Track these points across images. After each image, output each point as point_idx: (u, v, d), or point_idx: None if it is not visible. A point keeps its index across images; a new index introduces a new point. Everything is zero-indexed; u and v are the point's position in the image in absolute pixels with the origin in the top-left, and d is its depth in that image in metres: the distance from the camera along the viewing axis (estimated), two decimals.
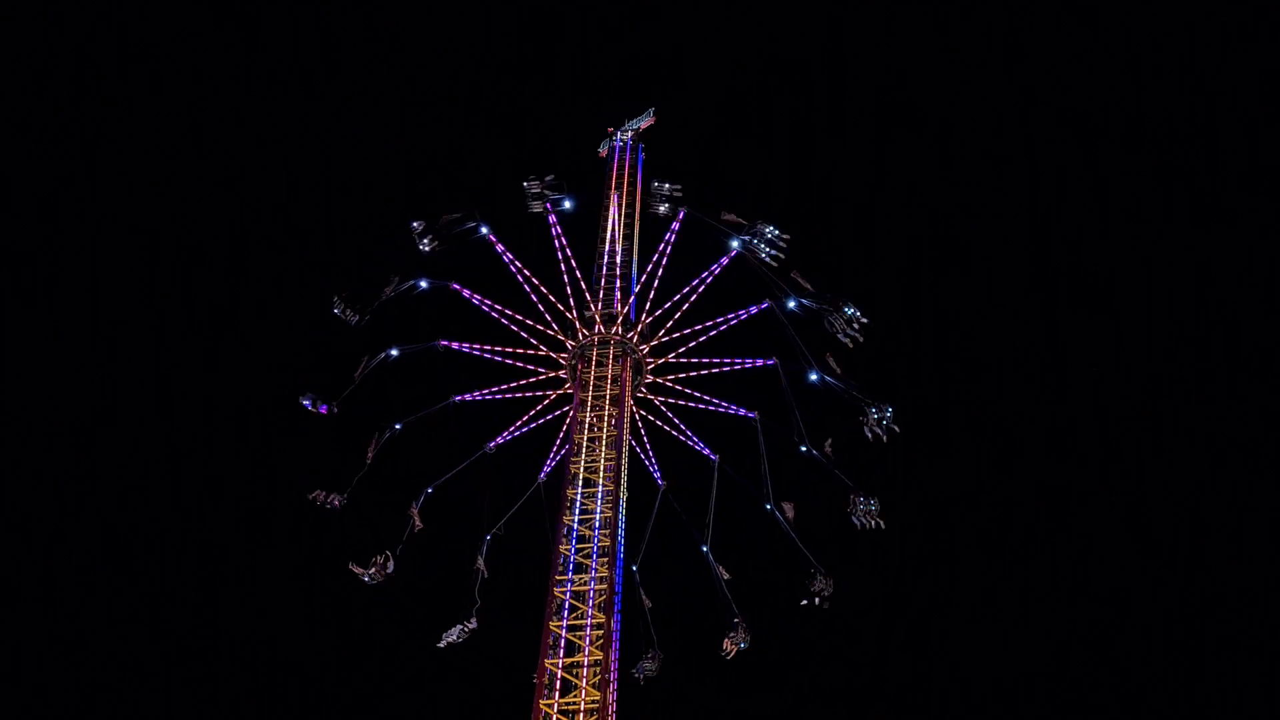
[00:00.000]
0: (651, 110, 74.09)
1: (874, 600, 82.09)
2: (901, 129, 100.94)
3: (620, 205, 70.31)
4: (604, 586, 55.92)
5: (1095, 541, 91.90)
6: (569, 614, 55.56)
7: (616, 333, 67.28)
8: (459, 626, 68.19)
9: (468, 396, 69.18)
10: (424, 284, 68.30)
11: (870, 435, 65.01)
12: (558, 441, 69.82)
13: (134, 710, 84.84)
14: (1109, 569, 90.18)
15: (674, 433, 69.94)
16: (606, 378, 64.92)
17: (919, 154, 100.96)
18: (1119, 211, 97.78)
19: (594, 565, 56.71)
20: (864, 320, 65.36)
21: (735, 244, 67.05)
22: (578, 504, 59.00)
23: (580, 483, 59.97)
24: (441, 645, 68.06)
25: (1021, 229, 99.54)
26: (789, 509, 67.81)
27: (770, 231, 66.70)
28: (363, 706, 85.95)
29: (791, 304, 66.90)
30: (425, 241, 67.83)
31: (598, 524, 58.20)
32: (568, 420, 66.91)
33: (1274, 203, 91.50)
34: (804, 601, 66.44)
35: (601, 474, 60.04)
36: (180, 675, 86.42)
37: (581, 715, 52.88)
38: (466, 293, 68.31)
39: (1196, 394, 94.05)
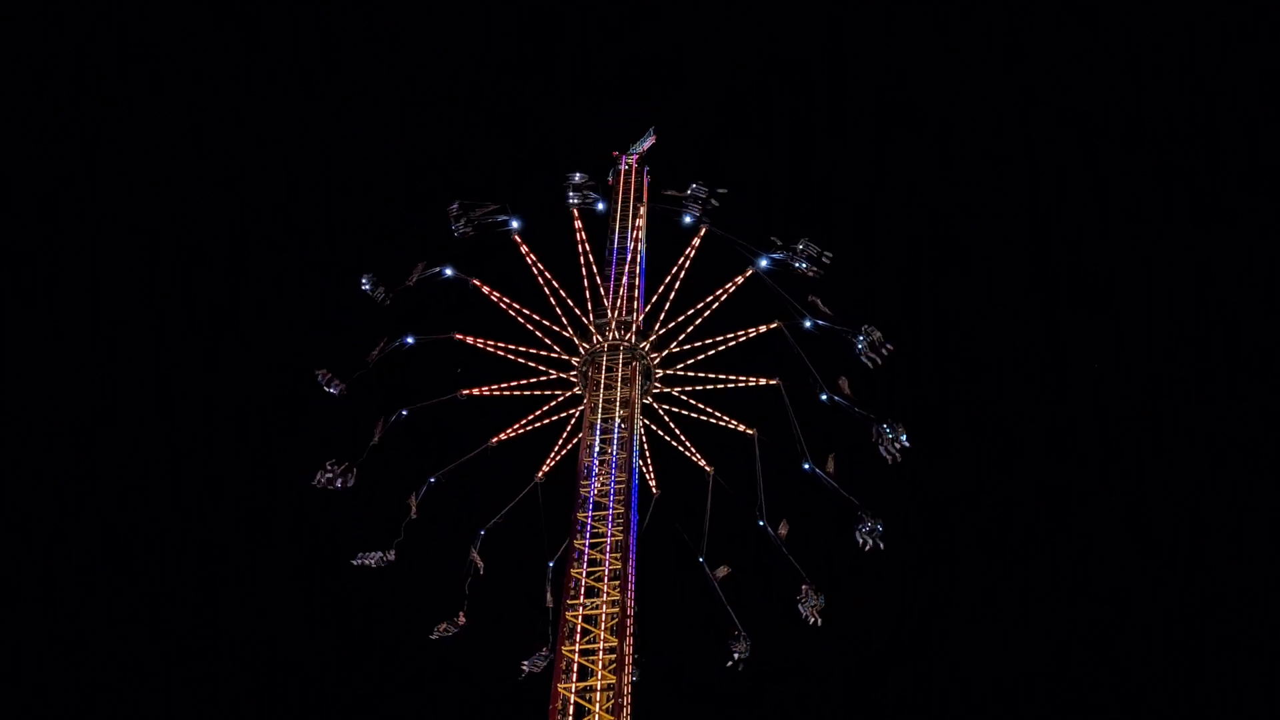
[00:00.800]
0: (652, 130, 74.59)
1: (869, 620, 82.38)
2: (903, 134, 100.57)
3: (631, 223, 70.77)
4: (615, 610, 56.21)
5: (1098, 556, 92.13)
6: (581, 638, 55.84)
7: (629, 339, 67.81)
8: (378, 553, 68.82)
9: (476, 391, 69.74)
10: (449, 272, 69.21)
11: (886, 456, 64.82)
12: (559, 442, 70.35)
13: (134, 710, 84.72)
14: (1111, 582, 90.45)
15: (673, 442, 70.53)
16: (616, 384, 65.26)
17: (918, 161, 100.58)
18: (1119, 213, 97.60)
19: (605, 589, 56.87)
20: (889, 346, 65.24)
21: (764, 263, 67.36)
22: (588, 527, 59.17)
23: (591, 506, 60.08)
24: (355, 563, 68.84)
25: (1022, 235, 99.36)
26: (722, 571, 69.20)
27: (810, 246, 66.91)
28: (361, 704, 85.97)
29: (808, 324, 66.99)
30: (459, 225, 68.74)
31: (609, 548, 58.35)
32: (578, 439, 66.99)
33: (1274, 203, 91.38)
34: (728, 664, 67.61)
35: (612, 497, 60.18)
36: (180, 672, 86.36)
37: None
38: (486, 289, 69.26)
39: (1196, 395, 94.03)
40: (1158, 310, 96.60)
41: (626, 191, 71.78)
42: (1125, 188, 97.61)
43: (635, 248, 70.21)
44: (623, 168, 72.30)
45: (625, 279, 69.15)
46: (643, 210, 70.91)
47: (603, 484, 60.83)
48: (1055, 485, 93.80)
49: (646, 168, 73.33)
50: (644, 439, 70.25)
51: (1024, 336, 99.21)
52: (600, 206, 69.99)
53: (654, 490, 71.81)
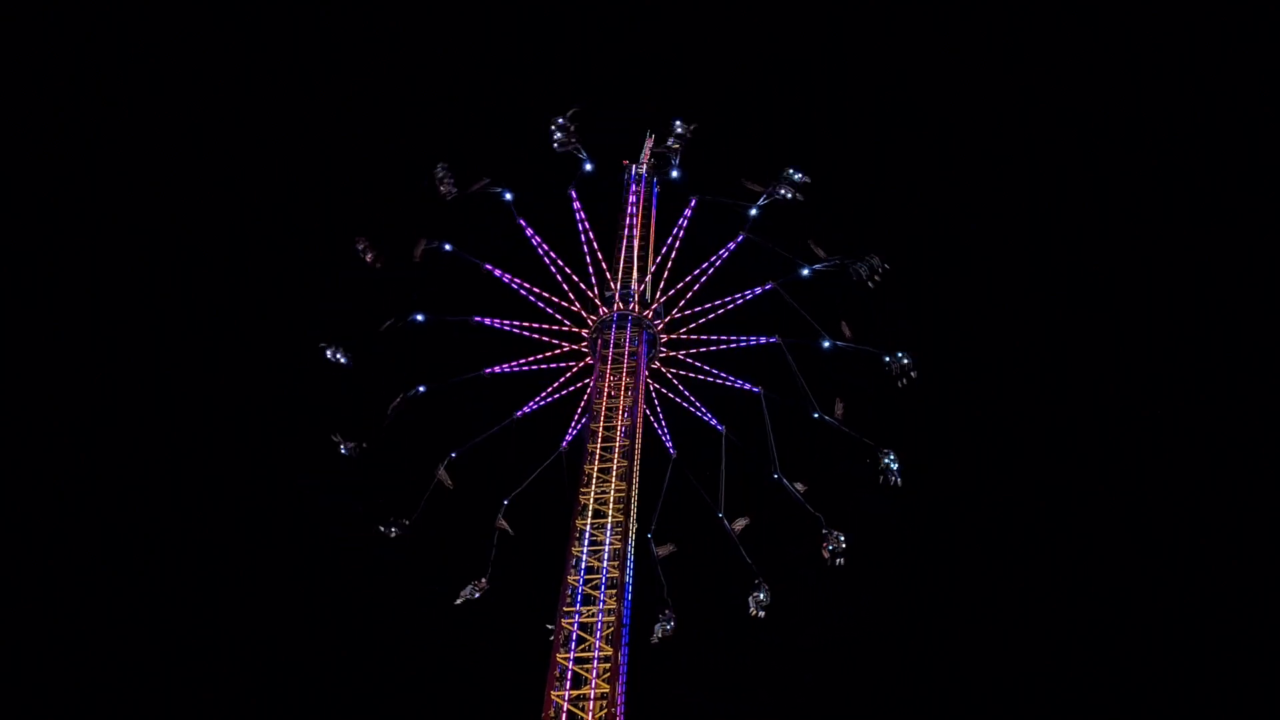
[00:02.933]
0: (650, 133, 73.76)
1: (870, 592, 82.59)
2: (903, 135, 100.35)
3: (639, 215, 71.32)
4: (612, 619, 55.87)
5: (1098, 556, 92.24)
6: (576, 646, 55.68)
7: (634, 307, 69.03)
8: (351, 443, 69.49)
9: (498, 369, 70.45)
10: (448, 247, 69.72)
11: (900, 384, 66.84)
12: (578, 413, 70.87)
13: (134, 710, 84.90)
14: (1111, 582, 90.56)
15: (685, 404, 71.32)
16: (624, 357, 66.19)
17: (918, 161, 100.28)
18: (1119, 213, 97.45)
19: (602, 597, 56.69)
20: (885, 266, 67.41)
21: (805, 272, 68.73)
22: (587, 535, 58.73)
23: (590, 513, 59.69)
24: (335, 442, 69.30)
25: (1023, 235, 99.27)
26: (664, 550, 69.56)
27: (874, 260, 67.96)
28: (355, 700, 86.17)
29: (805, 272, 68.68)
30: (445, 186, 69.53)
31: (607, 555, 58.01)
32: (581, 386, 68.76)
33: (1274, 203, 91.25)
34: (752, 612, 68.50)
35: (611, 505, 59.79)
36: (180, 670, 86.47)
37: None
38: (498, 273, 69.94)
39: (1196, 394, 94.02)
40: (1158, 310, 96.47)
41: (638, 199, 71.95)
42: (1125, 188, 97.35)
43: (651, 242, 71.18)
44: (631, 177, 72.28)
45: (637, 266, 70.23)
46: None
47: (601, 490, 60.60)
48: (1055, 486, 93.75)
49: (655, 178, 73.00)
50: (658, 404, 71.34)
51: (1024, 337, 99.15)
52: (588, 167, 70.22)
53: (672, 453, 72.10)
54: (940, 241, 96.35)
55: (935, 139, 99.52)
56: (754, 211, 69.21)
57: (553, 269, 69.63)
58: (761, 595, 68.19)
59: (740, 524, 68.98)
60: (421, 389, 70.20)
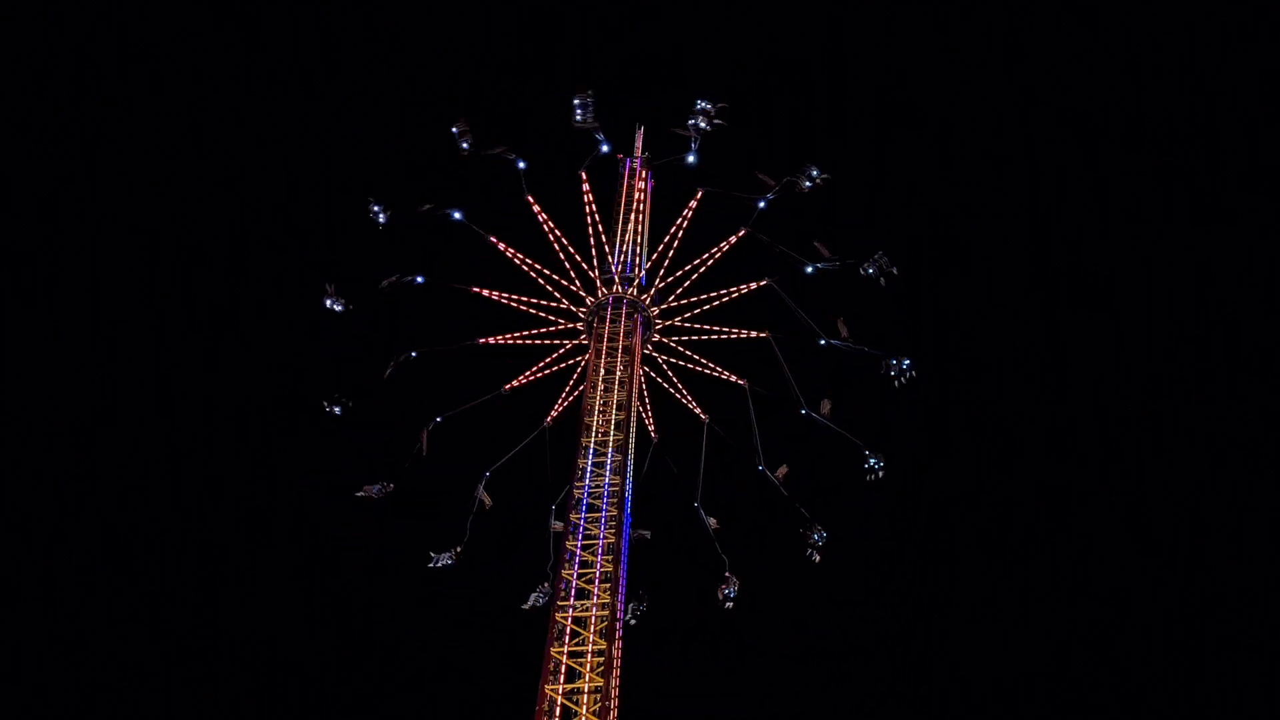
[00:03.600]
0: (640, 126, 73.96)
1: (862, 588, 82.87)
2: (903, 133, 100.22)
3: (634, 204, 71.56)
4: (605, 613, 55.87)
5: (1095, 543, 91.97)
6: (570, 640, 55.76)
7: (631, 292, 69.13)
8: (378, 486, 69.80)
9: (485, 292, 70.69)
10: (457, 215, 69.98)
11: (897, 386, 67.11)
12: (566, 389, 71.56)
13: (134, 710, 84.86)
14: (1108, 570, 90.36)
15: (673, 391, 71.84)
16: (619, 346, 66.11)
17: (918, 159, 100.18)
18: (1119, 213, 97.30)
19: (596, 592, 56.67)
20: (893, 270, 67.27)
21: (761, 205, 68.81)
22: (581, 528, 58.82)
23: (584, 507, 59.79)
24: (359, 495, 69.45)
25: (1022, 234, 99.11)
26: (712, 522, 70.54)
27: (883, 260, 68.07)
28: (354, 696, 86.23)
29: (809, 270, 68.80)
30: (465, 143, 69.27)
31: (600, 550, 58.01)
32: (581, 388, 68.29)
33: (1274, 203, 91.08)
34: (724, 604, 69.13)
35: (605, 499, 59.76)
36: (182, 672, 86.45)
37: None
38: (502, 246, 70.05)
39: (1196, 394, 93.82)
40: (1158, 310, 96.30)
41: (630, 189, 72.08)
42: (1125, 188, 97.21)
43: (645, 229, 71.48)
44: (625, 171, 72.29)
45: (631, 248, 70.57)
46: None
47: (595, 484, 60.60)
48: (1055, 485, 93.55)
49: (650, 171, 72.96)
50: (645, 390, 71.74)
51: (1024, 337, 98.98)
52: (605, 148, 70.22)
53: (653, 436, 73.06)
54: (940, 241, 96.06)
55: (937, 138, 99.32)
56: (762, 204, 69.25)
57: (556, 246, 70.36)
58: (639, 608, 70.23)
59: (643, 534, 69.50)
60: (420, 279, 70.36)
